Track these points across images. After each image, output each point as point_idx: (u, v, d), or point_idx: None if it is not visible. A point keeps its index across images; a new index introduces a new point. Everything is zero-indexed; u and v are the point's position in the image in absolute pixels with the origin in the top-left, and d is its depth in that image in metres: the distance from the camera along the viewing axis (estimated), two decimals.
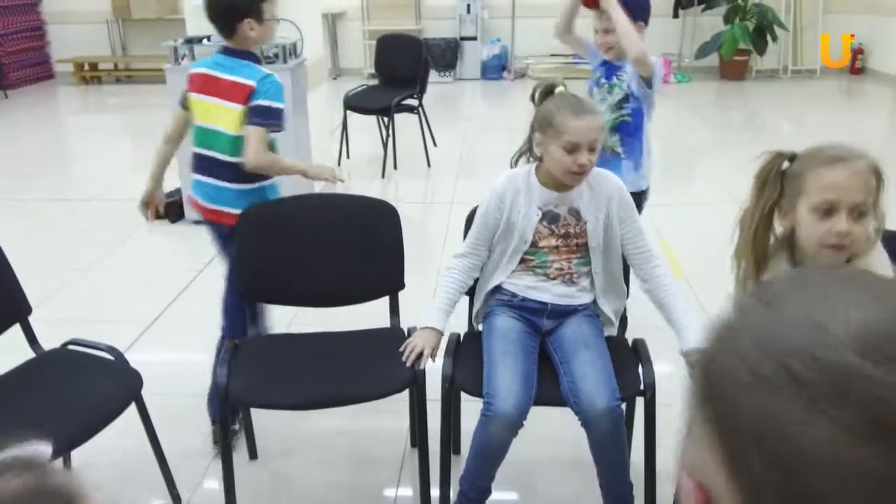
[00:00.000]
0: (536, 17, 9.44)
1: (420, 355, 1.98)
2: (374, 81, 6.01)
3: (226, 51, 2.32)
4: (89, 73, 9.78)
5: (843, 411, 0.39)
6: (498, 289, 2.11)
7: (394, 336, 2.01)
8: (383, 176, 5.35)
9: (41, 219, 4.64)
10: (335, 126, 5.67)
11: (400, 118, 5.46)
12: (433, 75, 9.21)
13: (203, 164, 2.36)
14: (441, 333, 2.03)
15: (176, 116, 2.44)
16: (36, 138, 7.13)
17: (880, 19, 8.88)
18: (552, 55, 9.56)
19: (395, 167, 5.45)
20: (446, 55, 9.29)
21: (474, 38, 9.29)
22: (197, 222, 4.44)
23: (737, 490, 0.44)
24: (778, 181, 1.47)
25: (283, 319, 2.75)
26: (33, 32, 9.71)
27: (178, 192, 4.52)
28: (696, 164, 5.97)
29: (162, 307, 3.44)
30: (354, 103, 5.41)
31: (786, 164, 1.48)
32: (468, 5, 9.13)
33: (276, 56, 4.15)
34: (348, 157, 5.70)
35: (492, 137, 7.05)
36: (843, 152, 1.42)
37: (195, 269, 3.85)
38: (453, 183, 5.21)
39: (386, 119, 5.36)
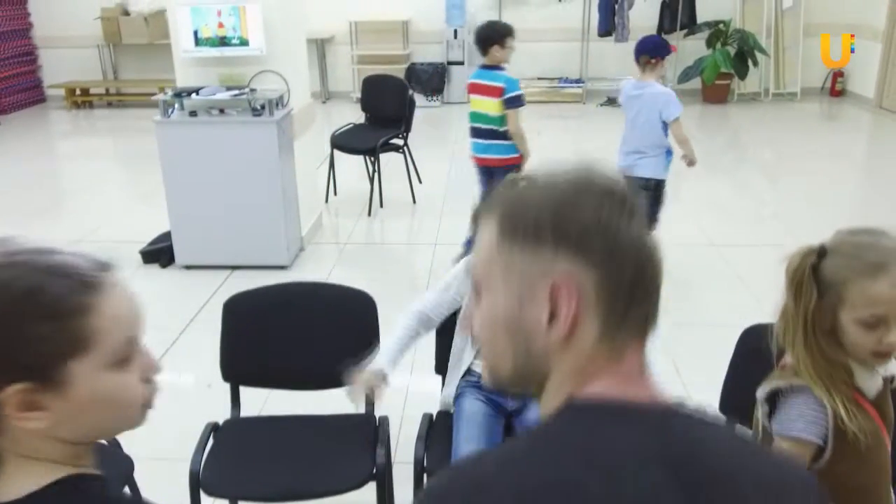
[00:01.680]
0: (523, 42, 9.55)
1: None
2: (362, 104, 6.16)
3: (483, 66, 4.16)
4: (81, 98, 9.88)
5: None
6: (468, 370, 2.25)
7: (365, 424, 2.15)
8: (370, 214, 5.49)
9: None
10: (324, 157, 5.76)
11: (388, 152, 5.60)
12: (420, 99, 9.37)
13: (478, 132, 4.19)
14: (386, 376, 2.06)
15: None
16: (27, 170, 7.23)
17: (859, 42, 9.05)
18: (539, 78, 9.71)
19: (381, 205, 5.58)
20: (433, 80, 9.43)
21: (461, 63, 9.43)
22: (188, 267, 4.59)
23: None
24: (812, 282, 1.33)
25: (262, 396, 2.85)
26: (25, 58, 9.82)
27: (167, 236, 4.65)
28: (676, 193, 6.09)
29: None
30: (341, 143, 5.55)
31: (813, 259, 1.35)
32: (455, 30, 9.27)
33: (263, 108, 4.28)
34: (335, 193, 5.84)
35: None
36: (883, 256, 1.27)
37: (186, 319, 3.97)
38: (437, 222, 5.34)
39: (372, 157, 5.49)
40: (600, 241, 0.75)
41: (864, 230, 1.34)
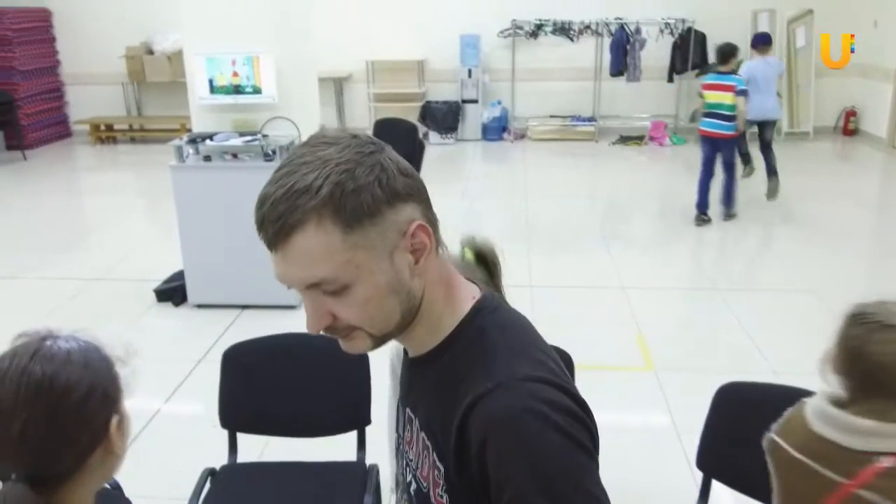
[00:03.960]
0: (536, 81, 9.77)
1: None
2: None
3: (718, 72, 6.18)
4: (105, 134, 10.16)
5: None
6: None
7: (357, 472, 2.23)
8: None
9: (53, 303, 4.88)
10: None
11: None
12: (435, 137, 9.54)
13: (714, 115, 6.06)
14: None
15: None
16: (52, 204, 7.45)
17: (871, 83, 9.12)
18: (552, 116, 9.85)
19: None
20: (448, 118, 9.60)
21: (475, 101, 9.60)
22: (199, 306, 4.70)
23: None
24: None
25: (263, 440, 2.92)
26: (53, 94, 10.14)
27: (181, 275, 4.78)
28: (684, 234, 6.15)
29: (161, 402, 3.67)
30: None
31: None
32: (469, 70, 9.46)
33: (274, 153, 4.42)
34: None
35: (491, 197, 7.32)
36: None
37: (195, 359, 4.07)
38: None
39: None
40: (409, 181, 0.91)
41: None
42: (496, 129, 9.77)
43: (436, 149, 9.28)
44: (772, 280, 5.11)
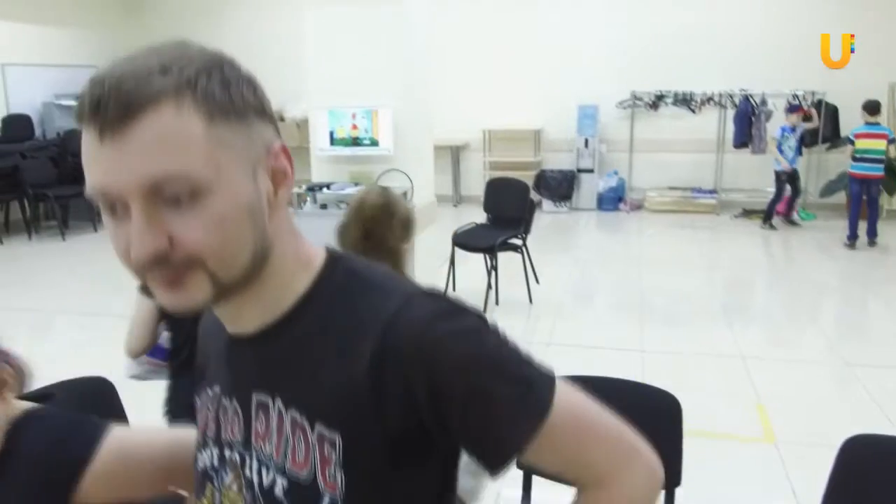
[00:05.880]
0: (655, 151, 9.63)
1: None
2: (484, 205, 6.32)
3: (868, 123, 7.29)
4: None
5: None
6: None
7: None
8: (484, 310, 5.53)
9: None
10: (446, 258, 5.94)
11: (508, 253, 5.71)
12: (549, 205, 9.52)
13: (867, 160, 7.28)
14: None
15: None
16: None
17: None
18: (670, 188, 9.64)
19: (497, 303, 5.64)
20: (563, 186, 9.57)
21: (591, 171, 9.55)
22: None
23: None
24: None
25: None
26: None
27: None
28: (815, 309, 5.78)
29: None
30: (462, 241, 5.70)
31: None
32: (586, 140, 9.45)
33: None
34: (454, 289, 5.95)
35: (603, 267, 7.15)
36: None
37: None
38: (552, 323, 5.33)
39: (491, 256, 5.60)
40: (270, 106, 0.79)
41: None
42: (612, 200, 9.64)
43: (549, 216, 9.24)
44: None
